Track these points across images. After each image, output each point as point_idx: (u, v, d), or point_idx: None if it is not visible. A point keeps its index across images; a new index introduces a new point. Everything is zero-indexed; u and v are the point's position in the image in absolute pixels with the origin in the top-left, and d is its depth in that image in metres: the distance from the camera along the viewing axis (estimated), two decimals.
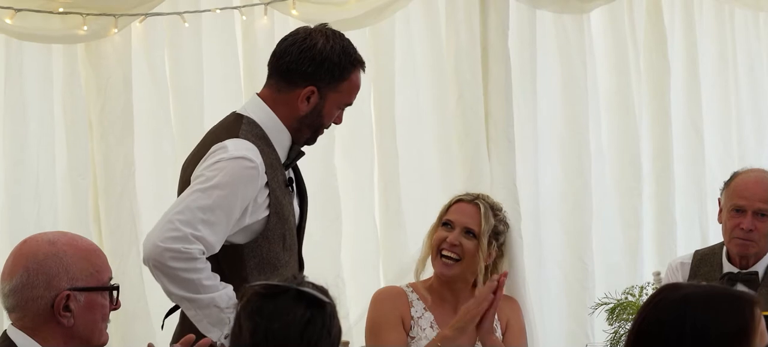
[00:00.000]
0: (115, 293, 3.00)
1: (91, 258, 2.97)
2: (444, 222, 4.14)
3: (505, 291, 4.24)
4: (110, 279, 3.00)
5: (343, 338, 3.50)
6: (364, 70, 3.74)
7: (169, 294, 3.55)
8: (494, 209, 4.17)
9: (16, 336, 2.92)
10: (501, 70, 5.87)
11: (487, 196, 4.24)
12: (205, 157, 3.61)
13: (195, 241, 3.47)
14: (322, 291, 2.48)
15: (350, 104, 3.75)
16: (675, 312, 2.50)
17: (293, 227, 3.73)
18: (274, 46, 3.77)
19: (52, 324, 2.91)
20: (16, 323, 2.94)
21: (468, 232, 4.10)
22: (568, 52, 6.17)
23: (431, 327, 4.11)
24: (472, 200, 4.16)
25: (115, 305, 3.01)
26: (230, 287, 3.52)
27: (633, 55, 6.37)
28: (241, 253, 3.60)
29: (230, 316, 3.30)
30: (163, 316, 3.86)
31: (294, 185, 3.78)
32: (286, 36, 3.75)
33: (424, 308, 4.13)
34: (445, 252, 4.11)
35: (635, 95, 6.35)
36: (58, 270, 2.90)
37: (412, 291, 4.17)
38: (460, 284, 4.17)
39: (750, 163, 6.34)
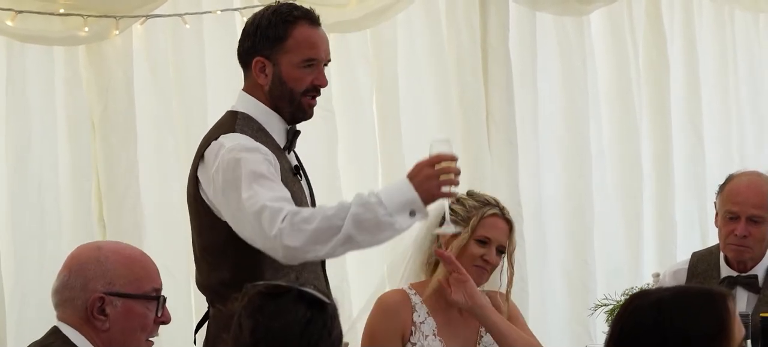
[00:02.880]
0: (162, 305, 3.01)
1: (133, 266, 2.99)
2: (481, 239, 4.11)
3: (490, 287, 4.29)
4: (155, 290, 3.01)
5: (346, 340, 3.51)
6: (313, 23, 3.67)
7: (333, 255, 3.46)
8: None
9: (65, 328, 2.97)
10: (502, 72, 5.89)
11: (503, 204, 4.24)
12: (204, 159, 3.60)
13: (280, 206, 3.41)
14: (324, 293, 2.48)
15: (313, 59, 3.65)
16: (653, 317, 2.50)
17: None
18: None
19: (89, 327, 2.95)
20: (61, 318, 2.98)
21: (501, 251, 4.13)
22: (568, 54, 6.18)
23: (434, 334, 4.10)
24: (503, 215, 4.16)
25: (161, 317, 3.02)
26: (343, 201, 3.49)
27: (633, 57, 6.39)
28: None
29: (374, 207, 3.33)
30: (194, 330, 3.87)
31: (301, 173, 3.79)
32: None
33: (427, 313, 4.13)
34: (479, 266, 4.12)
35: (635, 97, 6.36)
36: (96, 273, 2.95)
37: (415, 294, 4.15)
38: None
39: (750, 164, 6.38)
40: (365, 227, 3.37)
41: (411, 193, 3.41)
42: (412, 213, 3.41)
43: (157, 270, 3.05)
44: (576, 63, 6.18)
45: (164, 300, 3.03)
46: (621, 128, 6.35)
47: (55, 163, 5.28)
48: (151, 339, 3.04)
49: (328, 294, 2.49)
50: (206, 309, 3.80)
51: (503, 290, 4.25)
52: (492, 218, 4.13)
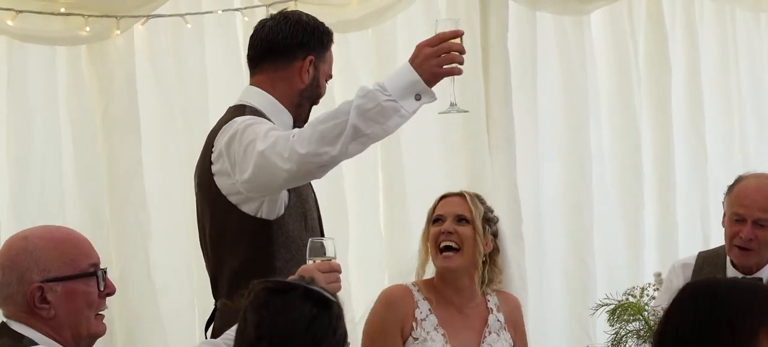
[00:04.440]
0: (102, 278, 2.97)
1: (64, 248, 2.94)
2: (434, 219, 4.17)
3: (505, 288, 4.28)
4: (93, 265, 2.97)
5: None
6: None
7: (346, 153, 3.45)
8: (479, 198, 4.21)
9: (13, 324, 2.94)
10: (501, 72, 5.89)
11: (467, 190, 4.27)
12: (216, 144, 3.63)
13: (290, 132, 3.49)
14: (331, 292, 2.46)
15: (331, 76, 3.84)
16: (714, 307, 2.53)
17: (313, 209, 3.79)
18: (250, 42, 3.82)
19: (35, 317, 2.91)
20: (8, 316, 2.96)
21: (460, 219, 4.13)
22: (568, 54, 6.18)
23: (436, 329, 4.11)
24: (454, 194, 4.21)
25: (106, 290, 2.98)
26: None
27: (633, 56, 6.38)
28: (270, 229, 3.63)
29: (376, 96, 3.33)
30: (204, 327, 3.88)
31: None
32: (260, 26, 3.82)
33: (430, 310, 4.15)
34: (443, 243, 4.12)
35: (636, 96, 6.35)
36: (29, 264, 2.91)
37: (418, 290, 4.18)
38: (464, 280, 4.18)
39: (751, 163, 6.37)
40: (371, 116, 3.38)
41: (412, 75, 3.41)
42: (418, 97, 3.41)
43: (90, 245, 3.00)
44: (576, 63, 6.18)
45: (104, 272, 2.98)
46: (621, 128, 6.34)
47: (57, 163, 5.28)
48: (101, 312, 2.99)
49: (334, 295, 2.47)
50: (213, 306, 3.82)
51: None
52: (442, 200, 4.21)
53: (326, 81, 3.81)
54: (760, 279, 4.39)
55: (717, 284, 2.62)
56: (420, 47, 3.45)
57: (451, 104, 3.60)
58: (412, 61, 3.44)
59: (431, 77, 3.42)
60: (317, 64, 3.75)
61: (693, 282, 2.69)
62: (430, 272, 4.28)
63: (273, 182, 3.50)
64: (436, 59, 3.42)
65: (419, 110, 3.48)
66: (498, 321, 4.22)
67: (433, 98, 3.46)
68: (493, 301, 4.25)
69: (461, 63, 3.46)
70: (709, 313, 2.51)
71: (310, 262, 3.26)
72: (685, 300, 2.59)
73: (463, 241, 4.13)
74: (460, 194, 4.20)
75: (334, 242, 3.34)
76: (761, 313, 2.50)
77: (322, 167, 3.46)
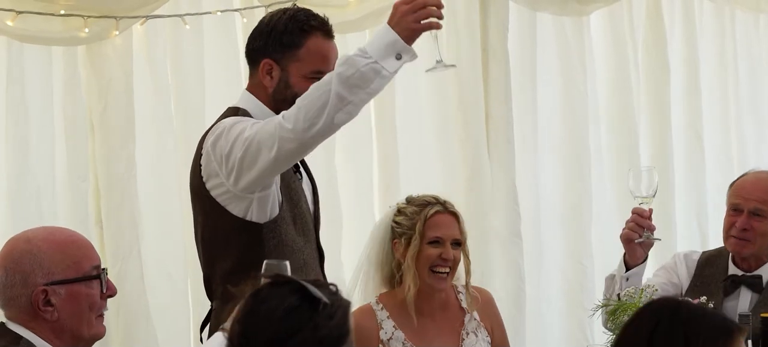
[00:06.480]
0: (105, 280, 2.99)
1: (68, 250, 2.96)
2: (432, 240, 4.07)
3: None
4: (95, 267, 2.99)
5: None
6: (327, 35, 3.75)
7: (333, 124, 3.43)
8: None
9: (12, 325, 2.95)
10: (501, 72, 5.89)
11: (443, 199, 4.18)
12: (205, 144, 3.64)
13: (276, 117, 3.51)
14: (331, 293, 2.41)
15: (322, 71, 3.62)
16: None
17: (305, 213, 3.77)
18: None
19: (38, 320, 2.92)
20: (8, 317, 2.97)
21: (455, 243, 4.10)
22: (567, 54, 6.18)
23: (403, 344, 4.06)
24: (446, 210, 4.12)
25: (107, 292, 3.00)
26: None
27: (633, 58, 6.39)
28: (260, 233, 3.63)
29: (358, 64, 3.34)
30: (199, 328, 3.89)
31: (301, 171, 3.84)
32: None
33: (394, 327, 4.07)
34: (439, 269, 4.08)
35: (635, 97, 6.36)
36: (33, 266, 2.92)
37: (381, 309, 4.11)
38: (443, 291, 4.16)
39: (749, 164, 6.37)
40: (353, 83, 3.39)
41: (390, 34, 3.43)
42: (399, 56, 3.43)
43: (92, 246, 3.03)
44: (575, 64, 6.18)
45: (105, 272, 3.00)
46: (620, 129, 6.34)
47: (53, 163, 5.28)
48: (102, 312, 3.02)
49: (339, 297, 2.41)
50: (208, 307, 3.82)
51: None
52: (436, 217, 4.09)
53: (311, 78, 3.66)
54: (760, 277, 4.39)
55: (681, 304, 2.68)
56: (396, 6, 3.47)
57: (437, 61, 3.60)
58: (390, 20, 3.46)
59: (410, 34, 3.43)
60: (285, 66, 3.69)
61: (661, 298, 2.76)
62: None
63: (260, 163, 3.48)
64: (413, 15, 3.43)
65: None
66: (474, 319, 4.17)
67: (413, 56, 3.46)
68: (465, 301, 4.20)
69: (439, 17, 3.45)
70: (668, 331, 2.57)
71: None
72: (647, 314, 2.64)
73: (455, 263, 4.10)
74: (452, 214, 4.11)
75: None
76: (714, 339, 2.58)
77: (312, 139, 3.45)
